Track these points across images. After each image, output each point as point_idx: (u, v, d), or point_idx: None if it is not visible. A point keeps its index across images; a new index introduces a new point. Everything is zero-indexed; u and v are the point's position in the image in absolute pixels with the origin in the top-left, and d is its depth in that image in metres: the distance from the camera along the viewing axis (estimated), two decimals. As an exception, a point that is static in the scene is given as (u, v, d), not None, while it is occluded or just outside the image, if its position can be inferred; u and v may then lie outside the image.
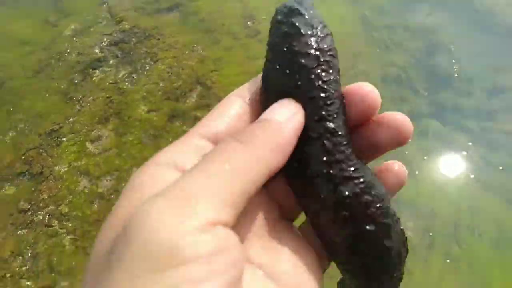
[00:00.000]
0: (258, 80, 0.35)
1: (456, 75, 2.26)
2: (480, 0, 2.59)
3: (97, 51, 2.46)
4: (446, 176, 1.91)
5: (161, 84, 2.25)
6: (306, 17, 0.33)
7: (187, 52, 2.41)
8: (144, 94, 2.21)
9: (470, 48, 2.37)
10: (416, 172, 1.91)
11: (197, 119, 2.08)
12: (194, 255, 0.20)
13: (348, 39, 2.41)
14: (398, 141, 0.34)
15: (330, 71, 0.32)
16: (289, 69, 0.32)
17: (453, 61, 2.30)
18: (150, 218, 0.21)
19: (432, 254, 1.71)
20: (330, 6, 2.61)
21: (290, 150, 0.28)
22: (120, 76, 2.32)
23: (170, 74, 2.30)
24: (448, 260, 1.69)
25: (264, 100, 0.33)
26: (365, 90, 0.34)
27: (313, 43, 0.32)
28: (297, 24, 0.32)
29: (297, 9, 0.33)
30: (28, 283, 1.61)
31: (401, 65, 2.30)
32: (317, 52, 0.32)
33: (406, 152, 1.96)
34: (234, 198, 0.22)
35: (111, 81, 2.29)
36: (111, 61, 2.41)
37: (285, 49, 0.32)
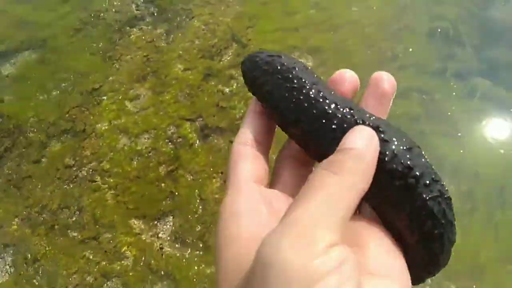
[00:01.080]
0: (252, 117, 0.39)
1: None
2: None
3: (133, 8, 2.45)
4: (493, 139, 1.80)
5: (196, 42, 2.23)
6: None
7: (222, 8, 2.35)
8: (180, 52, 2.20)
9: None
10: (461, 134, 1.81)
11: (232, 78, 2.06)
12: (325, 271, 0.24)
13: (393, -9, 2.24)
14: (381, 94, 0.36)
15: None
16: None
17: (509, 12, 2.09)
18: (280, 257, 0.25)
19: (473, 219, 1.64)
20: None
21: (373, 172, 0.30)
22: (156, 34, 2.32)
23: (205, 31, 2.27)
24: (489, 226, 1.63)
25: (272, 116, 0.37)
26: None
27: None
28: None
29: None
30: (75, 233, 1.73)
31: (451, 19, 2.13)
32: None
33: (449, 113, 1.86)
34: (340, 223, 0.27)
35: (148, 39, 2.30)
36: (147, 19, 2.40)
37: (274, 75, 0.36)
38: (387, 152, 0.30)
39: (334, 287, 0.24)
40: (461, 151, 1.77)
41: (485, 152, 1.77)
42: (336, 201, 0.27)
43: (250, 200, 0.33)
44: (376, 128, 0.31)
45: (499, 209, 1.65)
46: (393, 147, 0.30)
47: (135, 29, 2.35)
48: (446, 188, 0.30)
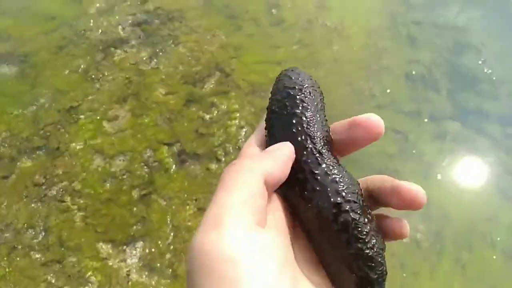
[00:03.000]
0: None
1: (483, 77, 2.17)
2: (516, 0, 2.48)
3: (120, 31, 2.46)
4: (463, 180, 1.86)
5: (180, 68, 2.25)
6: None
7: (208, 37, 2.40)
8: (163, 77, 2.21)
9: (500, 50, 2.28)
10: (432, 174, 1.87)
11: (213, 106, 2.07)
12: (237, 252, 0.28)
13: (374, 34, 2.35)
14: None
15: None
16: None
17: (480, 62, 2.22)
18: (197, 242, 0.29)
19: (441, 258, 1.67)
20: (358, 2, 2.54)
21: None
22: (140, 57, 2.33)
23: (190, 58, 2.30)
24: (457, 266, 1.65)
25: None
26: (371, 123, 0.38)
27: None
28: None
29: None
30: (38, 255, 1.65)
31: (427, 64, 2.23)
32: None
33: (422, 154, 1.91)
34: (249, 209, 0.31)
35: (131, 62, 2.30)
36: (132, 42, 2.42)
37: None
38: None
39: (246, 267, 0.27)
40: (432, 191, 1.82)
41: (454, 194, 1.82)
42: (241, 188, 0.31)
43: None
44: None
45: (467, 251, 1.69)
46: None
47: (119, 51, 2.35)
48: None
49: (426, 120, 2.02)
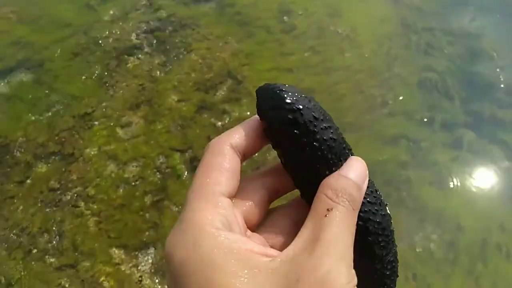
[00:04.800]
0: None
1: (497, 85, 2.15)
2: (531, 7, 2.45)
3: (133, 38, 2.50)
4: (477, 190, 1.84)
5: (192, 75, 2.27)
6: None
7: (220, 44, 2.42)
8: (176, 83, 2.24)
9: (515, 58, 2.26)
10: (445, 183, 1.85)
11: (225, 112, 2.09)
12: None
13: (385, 41, 2.34)
14: None
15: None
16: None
17: (497, 70, 2.20)
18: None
19: (455, 269, 1.65)
20: (370, 6, 2.54)
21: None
22: (153, 64, 2.36)
23: (202, 65, 2.32)
24: (470, 278, 1.63)
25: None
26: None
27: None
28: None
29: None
30: (52, 259, 1.68)
31: (440, 71, 2.22)
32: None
33: (435, 162, 1.90)
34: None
35: (144, 69, 2.33)
36: (146, 49, 2.45)
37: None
38: None
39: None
40: (446, 200, 1.80)
41: (468, 203, 1.80)
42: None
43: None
44: None
45: (481, 262, 1.67)
46: None
47: (132, 58, 2.39)
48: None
49: (439, 128, 2.00)
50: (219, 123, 2.05)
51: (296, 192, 0.38)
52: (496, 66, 2.21)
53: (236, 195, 0.36)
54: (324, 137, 0.35)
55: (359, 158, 0.37)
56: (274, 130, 0.36)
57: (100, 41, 2.49)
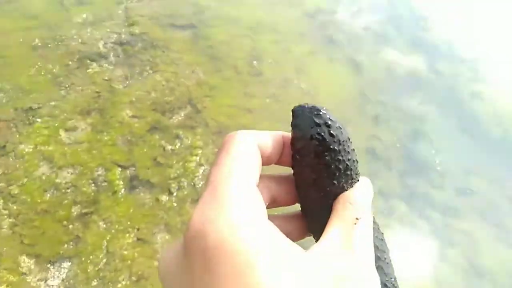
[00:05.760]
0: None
1: (433, 166, 2.33)
2: (471, 106, 2.74)
3: (100, 45, 2.46)
4: (402, 265, 1.92)
5: (152, 94, 2.25)
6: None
7: (187, 71, 2.44)
8: (133, 99, 2.20)
9: (449, 145, 2.47)
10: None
11: (178, 137, 2.06)
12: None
13: (342, 104, 2.49)
14: None
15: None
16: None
17: (433, 152, 2.39)
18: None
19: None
20: (334, 70, 2.71)
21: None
22: (115, 75, 2.32)
23: (164, 87, 2.31)
24: None
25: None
26: None
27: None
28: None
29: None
30: (-50, 256, 1.50)
31: (385, 142, 2.37)
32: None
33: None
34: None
35: (105, 78, 2.28)
36: (111, 59, 2.41)
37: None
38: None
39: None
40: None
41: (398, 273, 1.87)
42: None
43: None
44: None
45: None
46: None
47: (95, 64, 2.33)
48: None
49: (375, 194, 2.11)
50: (169, 147, 2.02)
51: (287, 210, 0.38)
52: (433, 149, 2.41)
53: None
54: (350, 158, 0.37)
55: (368, 182, 0.39)
56: (307, 141, 0.36)
57: (65, 41, 2.42)
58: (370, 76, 2.74)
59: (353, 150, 0.37)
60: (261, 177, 0.37)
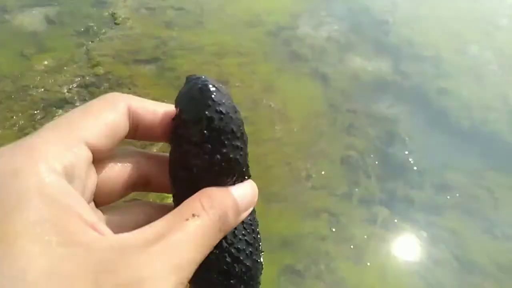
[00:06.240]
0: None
1: (410, 167, 2.36)
2: (438, 101, 2.79)
3: (65, 91, 2.44)
4: (390, 266, 1.92)
5: (122, 134, 2.23)
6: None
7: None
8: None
9: (423, 143, 2.51)
10: (361, 260, 1.92)
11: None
12: None
13: (313, 118, 2.51)
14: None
15: None
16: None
17: (407, 153, 2.42)
18: None
19: None
20: (301, 85, 2.74)
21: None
22: (83, 119, 2.29)
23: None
24: None
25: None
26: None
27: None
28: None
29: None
30: None
31: (360, 150, 2.39)
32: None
33: (352, 237, 1.98)
34: None
35: (72, 123, 2.26)
36: (77, 103, 2.39)
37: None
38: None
39: None
40: (361, 275, 1.86)
41: (382, 279, 1.87)
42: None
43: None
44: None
45: None
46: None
47: (61, 111, 2.31)
48: None
49: (357, 203, 2.12)
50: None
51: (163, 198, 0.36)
52: (408, 149, 2.44)
53: (103, 159, 0.31)
54: (230, 155, 0.32)
55: (254, 185, 0.34)
56: (185, 121, 0.32)
57: (28, 91, 2.40)
58: (338, 86, 2.78)
59: (241, 149, 0.33)
60: (135, 153, 0.34)
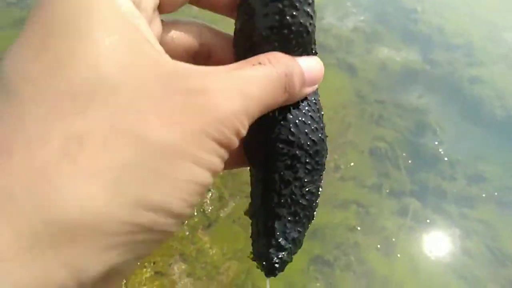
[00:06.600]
0: None
1: (441, 158, 2.31)
2: (470, 90, 2.72)
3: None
4: (421, 258, 1.90)
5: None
6: None
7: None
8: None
9: (455, 134, 2.45)
10: (392, 251, 1.90)
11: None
12: None
13: (341, 109, 2.49)
14: None
15: None
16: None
17: (438, 143, 2.37)
18: None
19: None
20: (328, 76, 2.72)
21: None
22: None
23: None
24: None
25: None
26: None
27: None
28: None
29: None
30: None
31: (389, 141, 2.36)
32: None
33: (382, 229, 1.96)
34: None
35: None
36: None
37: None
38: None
39: None
40: (391, 267, 1.84)
41: (412, 271, 1.85)
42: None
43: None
44: None
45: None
46: None
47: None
48: None
49: (386, 195, 2.09)
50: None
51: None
52: (439, 140, 2.39)
53: (167, 23, 0.30)
54: (301, 20, 0.30)
55: (320, 61, 0.33)
56: None
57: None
58: (366, 77, 2.75)
59: (315, 13, 0.32)
60: (197, 23, 0.32)
